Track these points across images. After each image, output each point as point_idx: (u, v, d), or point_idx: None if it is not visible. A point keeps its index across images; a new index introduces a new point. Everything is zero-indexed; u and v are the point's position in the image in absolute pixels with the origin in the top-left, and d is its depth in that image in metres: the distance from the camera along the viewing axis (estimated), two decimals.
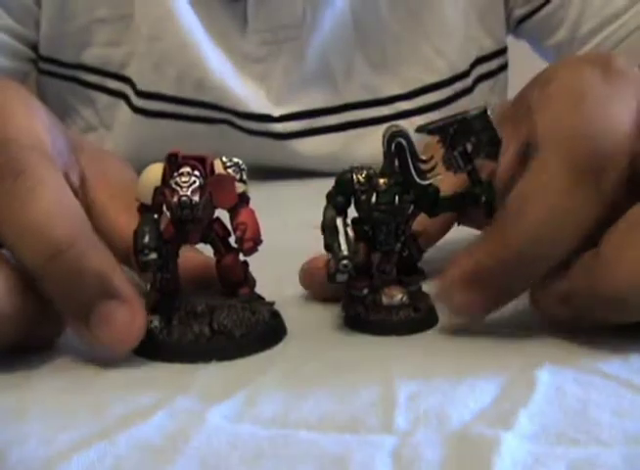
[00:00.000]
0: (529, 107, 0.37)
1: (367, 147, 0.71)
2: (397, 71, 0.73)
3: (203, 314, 0.33)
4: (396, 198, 0.34)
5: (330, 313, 0.37)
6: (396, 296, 0.35)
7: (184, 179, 0.32)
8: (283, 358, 0.33)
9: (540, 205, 0.32)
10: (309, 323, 0.36)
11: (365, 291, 0.35)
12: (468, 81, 0.74)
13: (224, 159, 0.34)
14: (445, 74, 0.73)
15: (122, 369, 0.32)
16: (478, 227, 0.41)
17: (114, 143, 0.73)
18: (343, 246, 0.34)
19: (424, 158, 0.34)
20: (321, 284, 0.37)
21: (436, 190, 0.35)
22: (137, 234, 0.33)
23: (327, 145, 0.73)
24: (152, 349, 0.33)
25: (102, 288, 0.32)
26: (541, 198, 0.32)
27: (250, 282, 0.35)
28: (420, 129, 0.34)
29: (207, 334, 0.33)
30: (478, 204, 0.34)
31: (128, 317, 0.32)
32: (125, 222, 0.37)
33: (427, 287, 0.36)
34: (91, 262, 0.32)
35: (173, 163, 0.33)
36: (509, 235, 0.32)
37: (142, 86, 0.71)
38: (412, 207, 0.35)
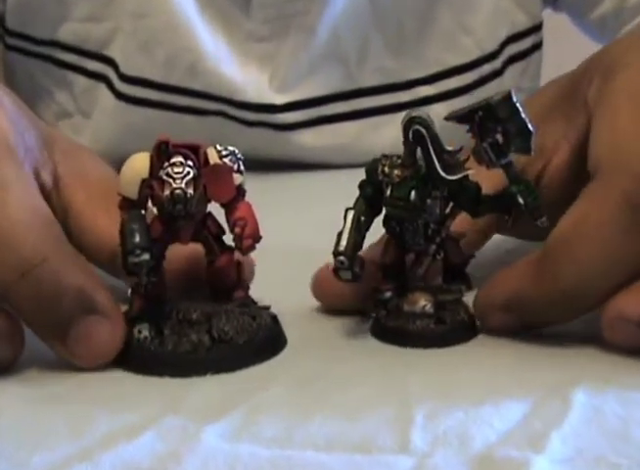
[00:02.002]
0: (586, 102, 0.38)
1: (382, 138, 0.71)
2: (417, 52, 0.73)
3: (199, 321, 0.34)
4: (412, 193, 0.35)
5: (339, 321, 0.38)
6: (419, 303, 0.36)
7: (177, 170, 0.33)
8: (286, 371, 0.34)
9: (595, 244, 0.33)
10: (315, 331, 0.37)
11: (388, 294, 0.36)
12: (497, 63, 0.75)
13: (219, 147, 0.35)
14: (472, 55, 0.74)
15: (105, 383, 0.33)
16: (518, 236, 0.42)
17: (93, 133, 0.73)
18: (343, 241, 0.35)
19: (450, 148, 0.35)
20: (334, 296, 0.38)
21: (476, 186, 0.35)
22: (125, 233, 0.33)
23: (336, 136, 0.73)
24: (141, 361, 0.33)
25: (81, 303, 0.33)
26: (597, 236, 0.33)
27: (244, 284, 0.36)
28: (449, 117, 0.35)
29: (207, 343, 0.34)
30: (514, 206, 0.35)
31: (109, 333, 0.33)
32: (105, 224, 0.38)
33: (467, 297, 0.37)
34: (68, 277, 0.33)
35: (163, 151, 0.33)
36: (558, 270, 0.34)
37: (126, 69, 0.71)
38: (450, 205, 0.36)
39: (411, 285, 0.36)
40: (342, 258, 0.35)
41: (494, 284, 0.36)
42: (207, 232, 0.35)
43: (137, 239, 0.33)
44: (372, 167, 0.36)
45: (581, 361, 0.34)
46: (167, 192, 0.33)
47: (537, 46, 0.77)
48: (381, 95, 0.74)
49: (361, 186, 0.36)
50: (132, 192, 0.34)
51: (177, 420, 0.30)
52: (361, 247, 0.36)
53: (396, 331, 0.36)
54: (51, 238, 0.34)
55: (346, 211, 0.36)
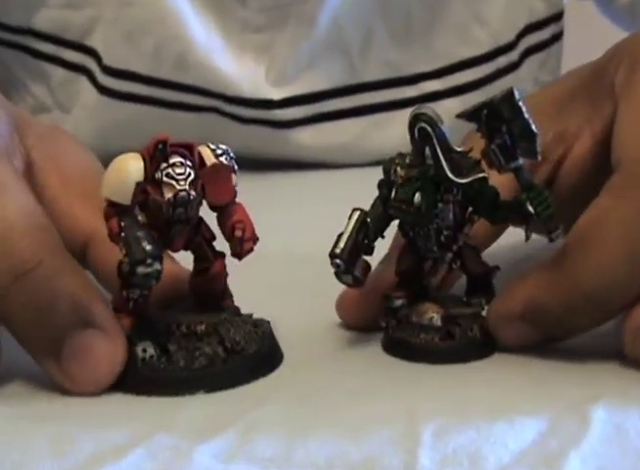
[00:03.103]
0: (613, 89, 0.38)
1: (387, 136, 0.72)
2: (425, 44, 0.74)
3: (208, 333, 0.35)
4: (416, 195, 0.35)
5: (340, 332, 0.39)
6: (426, 314, 0.37)
7: (178, 171, 0.33)
8: (283, 385, 0.35)
9: (618, 242, 0.34)
10: (314, 343, 0.38)
11: (398, 302, 0.37)
12: (514, 55, 0.75)
13: (212, 145, 0.35)
14: (486, 47, 0.74)
15: (91, 400, 0.33)
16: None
17: (73, 129, 0.73)
18: (341, 243, 0.36)
19: (460, 149, 0.35)
20: (361, 319, 0.38)
21: (494, 191, 0.36)
22: (129, 242, 0.33)
23: (338, 134, 0.74)
24: (150, 383, 0.34)
25: (76, 314, 0.33)
26: (620, 233, 0.34)
27: (229, 292, 0.37)
28: (460, 115, 0.35)
29: (222, 355, 0.34)
30: (524, 215, 0.35)
31: (109, 350, 0.33)
32: (80, 211, 0.38)
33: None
34: (63, 284, 0.33)
35: (161, 151, 0.33)
36: (578, 275, 0.34)
37: (109, 61, 0.72)
38: (470, 210, 0.36)
39: (428, 294, 0.37)
40: (337, 260, 0.36)
41: (509, 293, 0.36)
42: (202, 238, 0.36)
43: (147, 247, 0.33)
44: (387, 167, 0.37)
45: (602, 376, 0.34)
46: (170, 195, 0.33)
47: (557, 37, 0.77)
48: (385, 90, 0.74)
49: (379, 186, 0.37)
50: (125, 197, 0.34)
51: (168, 439, 0.31)
52: (364, 250, 0.37)
53: (401, 343, 0.37)
54: (47, 242, 0.34)
55: (352, 211, 0.37)
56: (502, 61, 0.75)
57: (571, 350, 0.36)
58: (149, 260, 0.33)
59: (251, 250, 0.35)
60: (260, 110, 0.72)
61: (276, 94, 0.72)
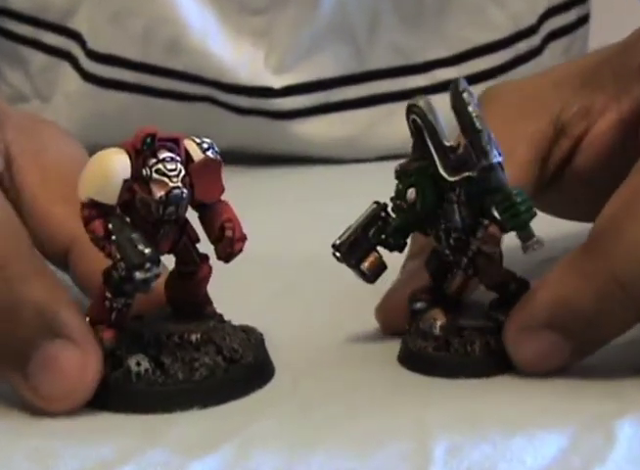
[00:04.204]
0: None
1: (396, 129, 0.70)
2: (438, 28, 0.74)
3: (204, 342, 0.35)
4: (409, 191, 0.36)
5: (344, 341, 0.40)
6: (428, 321, 0.37)
7: (170, 167, 0.34)
8: (282, 398, 0.35)
9: None
10: (315, 353, 0.39)
11: (418, 305, 0.38)
12: (535, 40, 0.75)
13: (196, 139, 0.35)
14: (505, 31, 0.75)
15: (74, 413, 0.34)
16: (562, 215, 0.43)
17: (54, 121, 0.74)
18: (344, 235, 0.37)
19: (450, 144, 0.35)
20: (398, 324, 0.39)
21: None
22: (122, 245, 0.33)
23: (343, 126, 0.74)
24: (147, 399, 0.34)
25: (44, 323, 0.33)
26: None
27: (210, 298, 0.37)
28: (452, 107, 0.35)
29: (223, 364, 0.35)
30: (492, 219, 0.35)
31: (80, 363, 0.33)
32: (61, 213, 0.39)
33: None
34: (30, 290, 0.33)
35: (149, 145, 0.34)
36: (610, 261, 0.34)
37: (94, 45, 0.72)
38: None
39: (446, 300, 0.38)
40: (336, 252, 0.37)
41: (530, 298, 0.35)
42: (187, 239, 0.36)
43: (146, 249, 0.33)
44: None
45: (628, 389, 0.35)
46: (162, 193, 0.33)
47: (583, 20, 0.78)
48: (395, 78, 0.74)
49: None
50: (110, 197, 0.34)
51: (159, 455, 0.31)
52: (379, 245, 0.37)
53: (404, 350, 0.38)
54: (12, 244, 0.34)
55: (371, 204, 0.38)
56: (522, 46, 0.75)
57: (595, 360, 0.36)
58: (147, 265, 0.33)
59: (241, 251, 0.35)
60: (259, 99, 0.72)
61: (276, 82, 0.72)
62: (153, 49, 0.71)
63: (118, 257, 0.33)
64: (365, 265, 0.37)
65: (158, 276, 0.33)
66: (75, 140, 0.44)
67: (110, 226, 0.33)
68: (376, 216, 0.37)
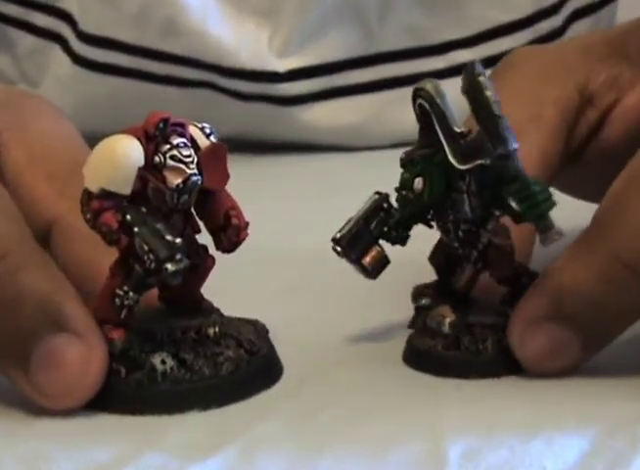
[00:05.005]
0: None
1: (409, 115, 0.71)
2: (455, 6, 0.74)
3: (222, 335, 0.36)
4: (416, 180, 0.36)
5: (353, 340, 0.40)
6: (436, 318, 0.38)
7: (185, 153, 0.34)
8: (288, 398, 0.36)
9: None
10: (323, 352, 0.39)
11: (424, 300, 0.38)
12: (557, 20, 0.76)
13: (198, 124, 0.36)
14: (525, 10, 0.75)
15: (68, 415, 0.34)
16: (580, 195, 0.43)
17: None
18: (345, 228, 0.37)
19: (460, 130, 0.35)
20: None
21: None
22: (149, 238, 0.33)
23: (352, 112, 0.74)
24: (174, 398, 0.34)
25: (46, 316, 0.33)
26: None
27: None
28: (462, 90, 0.35)
29: (246, 357, 0.36)
30: (510, 212, 0.35)
31: (84, 358, 0.33)
32: (45, 193, 0.39)
33: None
34: (31, 280, 0.34)
35: (162, 131, 0.34)
36: (614, 243, 0.34)
37: (86, 26, 0.72)
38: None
39: (453, 295, 0.38)
40: (336, 246, 0.37)
41: (534, 289, 0.36)
42: (192, 230, 0.36)
43: (177, 240, 0.33)
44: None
45: None
46: (179, 180, 0.34)
47: None
48: (408, 61, 0.74)
49: None
50: (124, 186, 0.33)
51: (158, 458, 0.32)
52: (381, 238, 0.38)
53: (411, 349, 0.38)
54: (14, 233, 0.35)
55: (372, 194, 0.38)
56: (544, 26, 0.75)
57: (618, 358, 0.37)
58: (178, 255, 0.33)
59: (245, 239, 0.36)
60: (262, 84, 0.72)
61: (280, 65, 0.72)
62: (148, 31, 0.72)
63: (146, 248, 0.33)
64: (367, 260, 0.38)
65: (187, 267, 0.33)
66: (65, 116, 0.44)
67: (128, 217, 0.33)
68: (378, 208, 0.37)
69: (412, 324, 0.39)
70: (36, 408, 0.34)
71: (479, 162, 0.35)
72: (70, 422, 0.34)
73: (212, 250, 0.37)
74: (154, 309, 0.37)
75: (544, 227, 0.35)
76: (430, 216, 0.38)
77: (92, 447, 0.32)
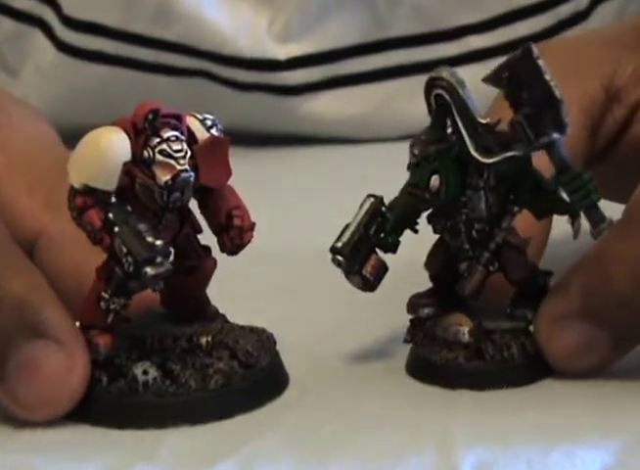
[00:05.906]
0: None
1: (418, 105, 0.70)
2: None
3: (216, 346, 0.36)
4: (432, 178, 0.36)
5: (358, 347, 0.40)
6: (452, 327, 0.38)
7: (176, 147, 0.34)
8: (290, 409, 0.36)
9: None
10: (326, 360, 0.40)
11: (426, 311, 0.38)
12: (581, 3, 0.75)
13: (199, 116, 0.36)
14: None
15: (54, 426, 0.35)
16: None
17: (22, 98, 0.74)
18: (344, 237, 0.37)
19: (485, 121, 0.36)
20: None
21: (536, 175, 0.36)
22: (128, 239, 0.33)
23: (358, 102, 0.74)
24: (156, 411, 0.34)
25: (24, 321, 0.34)
26: None
27: (208, 297, 0.37)
28: (485, 79, 0.36)
29: (239, 370, 0.35)
30: (559, 205, 0.36)
31: (63, 366, 0.34)
32: (27, 204, 0.39)
33: None
34: (8, 284, 0.34)
35: (151, 123, 0.34)
36: None
37: (71, 10, 0.72)
38: (513, 198, 0.36)
39: (460, 303, 0.38)
40: (338, 257, 0.37)
41: (561, 286, 0.36)
42: (191, 230, 0.36)
43: (157, 242, 0.33)
44: (412, 144, 0.38)
45: None
46: (167, 177, 0.34)
47: None
48: (419, 47, 0.74)
49: (409, 168, 0.38)
50: (109, 182, 0.34)
51: None
52: (378, 246, 0.38)
53: (422, 362, 0.38)
54: None
55: (365, 198, 0.38)
56: (566, 10, 0.75)
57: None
58: (159, 259, 0.33)
59: (249, 241, 0.36)
60: (261, 72, 0.73)
61: (281, 53, 0.73)
62: (138, 16, 0.72)
63: (124, 250, 0.33)
64: (368, 269, 0.37)
65: (169, 272, 0.33)
66: (47, 123, 0.45)
67: (110, 216, 0.34)
68: (376, 212, 0.37)
69: (411, 337, 0.39)
70: (16, 424, 0.35)
71: (509, 154, 0.35)
72: (59, 434, 0.35)
73: (216, 251, 0.37)
74: (153, 314, 0.37)
75: (597, 219, 0.35)
76: (431, 218, 0.38)
77: (80, 461, 0.33)
